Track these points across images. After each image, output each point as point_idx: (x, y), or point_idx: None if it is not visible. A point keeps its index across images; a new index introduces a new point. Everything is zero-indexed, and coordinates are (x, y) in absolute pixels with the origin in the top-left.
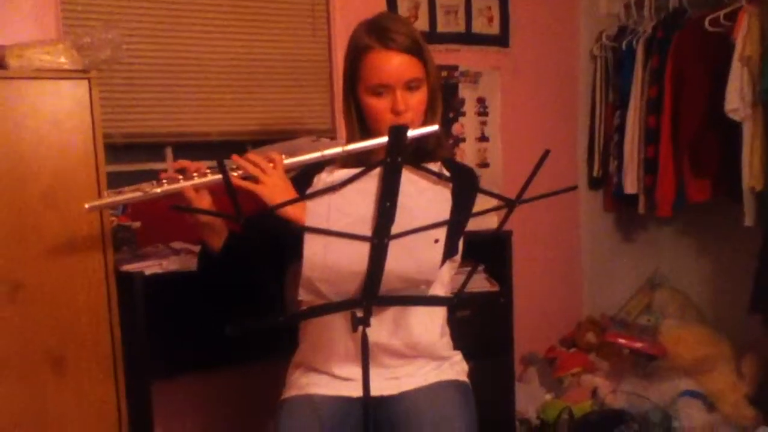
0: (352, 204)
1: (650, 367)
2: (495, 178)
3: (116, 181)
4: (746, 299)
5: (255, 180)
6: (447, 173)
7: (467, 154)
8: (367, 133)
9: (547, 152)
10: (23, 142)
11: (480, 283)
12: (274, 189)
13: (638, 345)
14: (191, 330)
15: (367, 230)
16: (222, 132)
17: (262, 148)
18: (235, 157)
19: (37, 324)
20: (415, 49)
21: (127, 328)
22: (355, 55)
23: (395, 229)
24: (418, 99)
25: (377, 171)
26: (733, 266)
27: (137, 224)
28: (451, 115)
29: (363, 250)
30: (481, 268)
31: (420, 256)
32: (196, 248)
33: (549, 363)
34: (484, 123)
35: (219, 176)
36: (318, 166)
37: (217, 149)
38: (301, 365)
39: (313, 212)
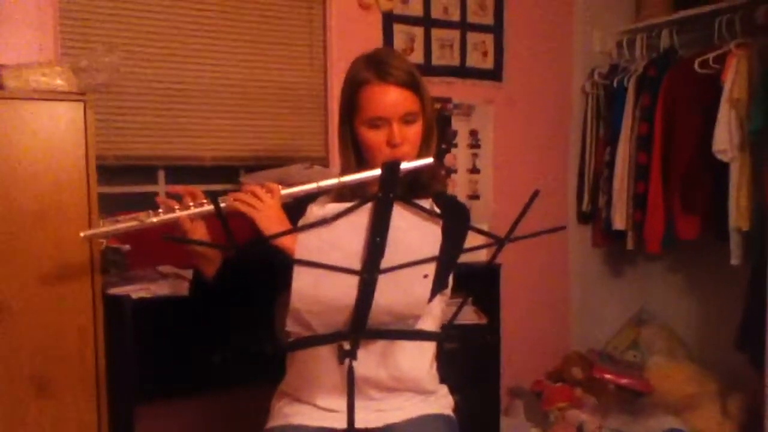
0: (342, 238)
1: (636, 404)
2: (485, 210)
3: (108, 203)
4: (733, 337)
5: (252, 207)
6: (438, 209)
7: (458, 185)
8: (363, 164)
9: (536, 193)
10: (16, 161)
11: (468, 315)
12: (270, 218)
13: (624, 381)
14: (177, 355)
15: (356, 264)
16: (215, 157)
17: (255, 174)
18: (231, 193)
19: (22, 346)
20: (412, 83)
21: (114, 352)
22: (353, 87)
23: (385, 264)
24: (413, 132)
25: (369, 205)
26: (721, 304)
27: (127, 247)
28: (443, 146)
29: (352, 283)
30: (469, 300)
31: (409, 290)
32: (185, 273)
33: (535, 396)
34: (475, 155)
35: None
36: (312, 195)
37: (211, 174)
38: (286, 395)
39: (304, 245)
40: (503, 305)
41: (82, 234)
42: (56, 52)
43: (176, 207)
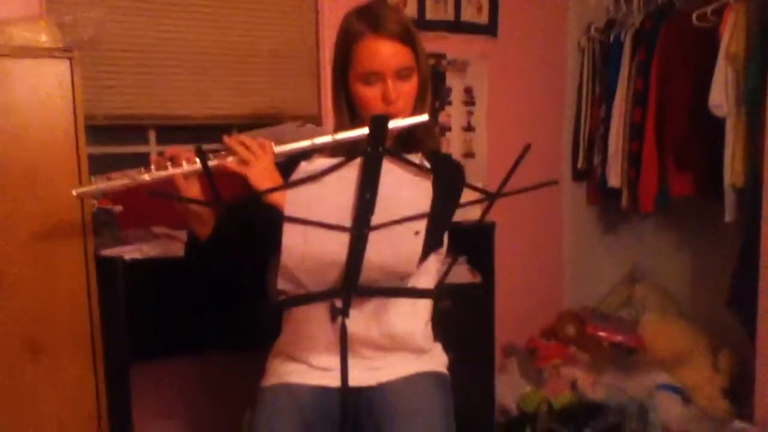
0: (332, 194)
1: (629, 360)
2: (480, 168)
3: (97, 164)
4: (724, 294)
5: (244, 163)
6: (429, 165)
7: (453, 143)
8: (357, 121)
9: (527, 147)
10: (2, 121)
11: (462, 275)
12: (263, 174)
13: (618, 338)
14: (171, 314)
15: (347, 220)
16: (207, 116)
17: (249, 132)
18: (225, 137)
19: (14, 309)
20: (407, 37)
21: (107, 313)
22: (346, 41)
23: (375, 220)
24: (408, 88)
25: (358, 161)
26: (713, 262)
27: (119, 208)
28: (437, 104)
29: (342, 240)
30: (463, 259)
31: (400, 247)
32: (177, 233)
33: (529, 354)
34: (470, 113)
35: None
36: (306, 153)
37: (202, 133)
38: (281, 353)
39: (293, 201)
40: (497, 263)
41: (74, 192)
42: (40, 8)
43: (168, 165)
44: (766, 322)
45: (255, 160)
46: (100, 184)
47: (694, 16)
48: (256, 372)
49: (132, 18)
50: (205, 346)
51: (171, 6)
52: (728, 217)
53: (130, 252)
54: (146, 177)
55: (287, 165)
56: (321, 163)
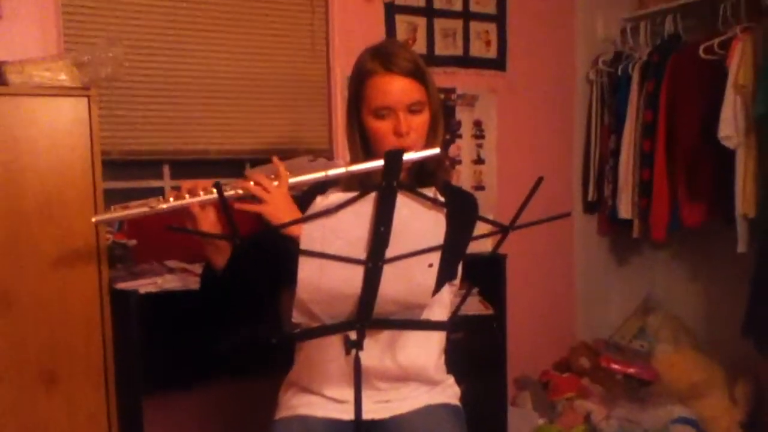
0: (347, 227)
1: (643, 392)
2: (490, 201)
3: (113, 198)
4: (739, 324)
5: (258, 200)
6: (442, 198)
7: (463, 176)
8: (371, 154)
9: (540, 179)
10: (22, 156)
11: (474, 306)
12: (278, 208)
13: (632, 370)
14: (184, 347)
15: (361, 253)
16: (220, 150)
17: (260, 167)
18: (238, 181)
19: (30, 337)
20: (418, 73)
21: (121, 345)
22: (360, 78)
23: (390, 253)
24: (420, 122)
25: (373, 195)
26: (727, 291)
27: (133, 242)
28: (447, 136)
29: (357, 273)
30: (475, 290)
31: (414, 280)
32: (192, 267)
33: (543, 386)
34: (480, 145)
35: (225, 193)
36: (321, 186)
37: (216, 167)
38: (294, 385)
39: (308, 235)
40: (509, 295)
41: (93, 219)
42: (59, 47)
43: (186, 194)
44: None
45: (269, 196)
46: (119, 212)
47: (701, 48)
48: (269, 403)
49: (147, 57)
50: (217, 378)
51: (185, 44)
52: (741, 247)
53: (144, 285)
54: (164, 206)
55: (303, 199)
56: (336, 197)
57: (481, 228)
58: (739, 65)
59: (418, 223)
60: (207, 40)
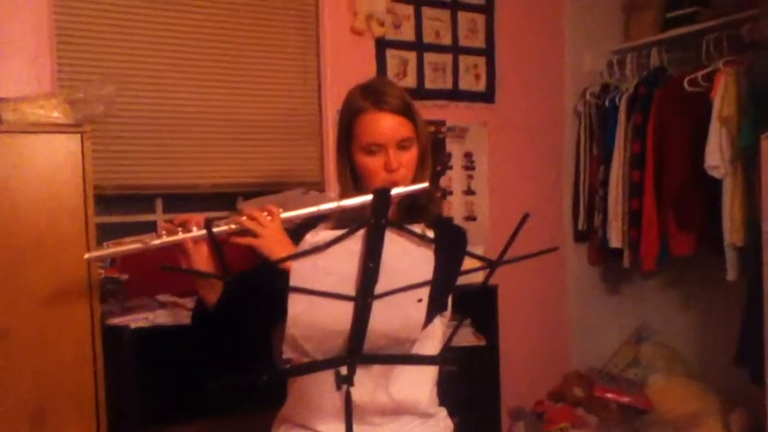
0: (336, 264)
1: (638, 422)
2: (482, 231)
3: (107, 233)
4: (732, 352)
5: (253, 234)
6: (431, 233)
7: (454, 207)
8: (361, 189)
9: (525, 216)
10: (15, 192)
11: (466, 338)
12: (273, 241)
13: (626, 399)
14: (176, 383)
15: (351, 290)
16: (213, 184)
17: (252, 200)
18: (232, 216)
19: (21, 375)
20: (407, 110)
21: (113, 381)
22: (350, 115)
23: (379, 289)
24: (409, 157)
25: (361, 232)
26: (719, 319)
27: (125, 277)
28: (438, 168)
29: (347, 309)
30: (467, 322)
31: (403, 315)
32: (183, 301)
33: (537, 417)
34: (471, 177)
35: (218, 229)
36: (311, 221)
37: (208, 201)
38: (287, 421)
39: (298, 271)
40: (501, 326)
41: (86, 256)
42: (53, 84)
43: (179, 230)
44: None
45: (264, 230)
46: (111, 249)
47: (685, 81)
48: None
49: (140, 92)
50: (210, 414)
51: (178, 80)
52: (730, 275)
53: (136, 320)
54: (157, 241)
55: (294, 233)
56: (326, 234)
57: (470, 262)
58: (723, 97)
59: (407, 258)
60: (199, 76)
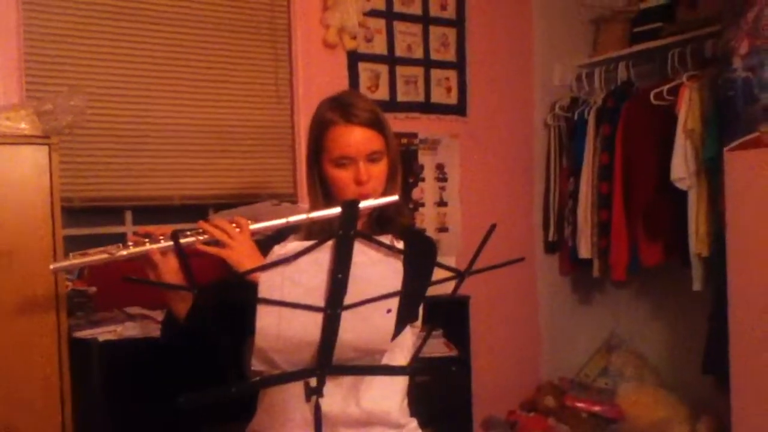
0: (305, 275)
1: (609, 430)
2: (454, 242)
3: (75, 245)
4: (700, 361)
5: (222, 245)
6: (400, 244)
7: (427, 218)
8: (331, 202)
9: (493, 226)
10: None
11: (438, 348)
12: (241, 253)
13: (597, 408)
14: (146, 397)
15: (320, 301)
16: (184, 196)
17: (225, 211)
18: (201, 222)
19: None
20: (376, 123)
21: (81, 395)
22: (320, 129)
23: (348, 300)
24: (379, 170)
25: (330, 243)
26: (688, 328)
27: (93, 289)
28: (411, 180)
29: (316, 320)
30: (439, 332)
31: (372, 325)
32: (153, 314)
33: (509, 427)
34: (443, 188)
35: (185, 240)
36: (281, 233)
37: (179, 213)
38: None
39: (267, 283)
40: (473, 336)
41: (51, 267)
42: (21, 96)
43: (146, 241)
44: (740, 390)
45: (232, 242)
46: (77, 260)
47: (651, 95)
48: None
49: (109, 104)
50: (182, 427)
51: (147, 92)
52: (696, 285)
53: (104, 333)
54: (124, 252)
55: (262, 245)
56: (294, 246)
57: (440, 272)
58: (687, 110)
59: (376, 269)
60: (170, 88)
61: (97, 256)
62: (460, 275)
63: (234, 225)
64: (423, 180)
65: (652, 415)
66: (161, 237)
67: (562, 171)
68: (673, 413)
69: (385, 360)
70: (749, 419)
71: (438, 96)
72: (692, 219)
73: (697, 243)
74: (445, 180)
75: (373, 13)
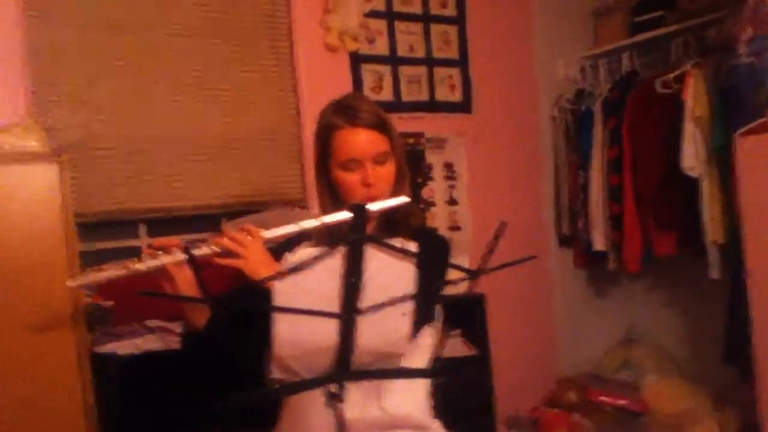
0: (319, 282)
1: (634, 424)
2: (466, 240)
3: (91, 260)
4: (720, 350)
5: (236, 256)
6: (413, 246)
7: (438, 218)
8: (340, 205)
9: (502, 224)
10: None
11: (457, 348)
12: (256, 262)
13: (621, 402)
14: (168, 409)
15: (335, 307)
16: (195, 206)
17: (236, 220)
18: (212, 236)
19: (6, 408)
20: (381, 124)
21: (103, 410)
22: (326, 133)
23: (363, 305)
24: (386, 172)
25: (341, 249)
26: (707, 317)
27: (110, 303)
28: (419, 180)
29: (332, 326)
30: (457, 332)
31: (388, 329)
32: (172, 326)
33: (533, 425)
34: (452, 187)
35: (199, 252)
36: (294, 240)
37: (192, 222)
38: None
39: (281, 292)
40: (491, 334)
41: (68, 283)
42: (28, 113)
43: (160, 254)
44: (766, 380)
45: (246, 251)
46: (93, 275)
47: (658, 82)
48: None
49: (116, 117)
50: None
51: (154, 103)
52: (713, 273)
53: (124, 347)
54: (139, 266)
55: (276, 254)
56: (305, 253)
57: (453, 273)
58: (694, 98)
59: (389, 273)
60: (176, 97)
61: (113, 270)
62: (472, 275)
63: (245, 233)
64: (432, 179)
65: (676, 407)
66: (176, 249)
67: (570, 164)
68: (699, 404)
69: (405, 362)
70: None
71: (442, 94)
72: (706, 207)
73: (712, 230)
74: (454, 178)
75: (373, 14)
